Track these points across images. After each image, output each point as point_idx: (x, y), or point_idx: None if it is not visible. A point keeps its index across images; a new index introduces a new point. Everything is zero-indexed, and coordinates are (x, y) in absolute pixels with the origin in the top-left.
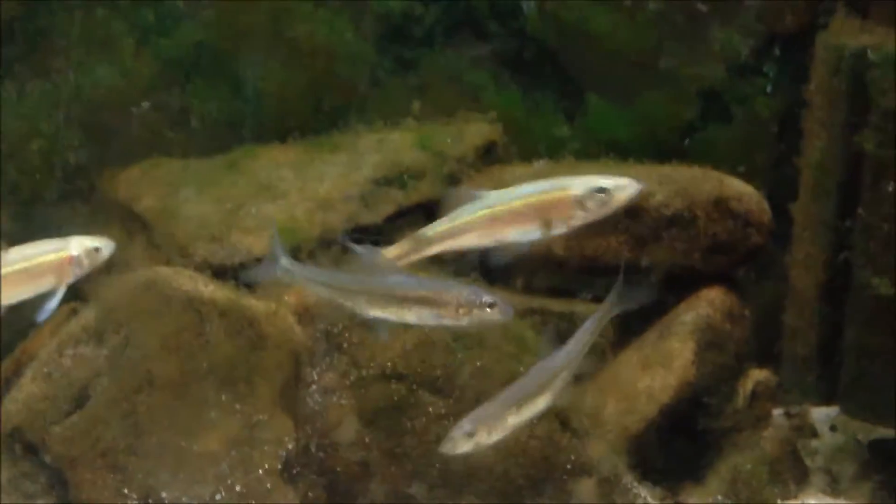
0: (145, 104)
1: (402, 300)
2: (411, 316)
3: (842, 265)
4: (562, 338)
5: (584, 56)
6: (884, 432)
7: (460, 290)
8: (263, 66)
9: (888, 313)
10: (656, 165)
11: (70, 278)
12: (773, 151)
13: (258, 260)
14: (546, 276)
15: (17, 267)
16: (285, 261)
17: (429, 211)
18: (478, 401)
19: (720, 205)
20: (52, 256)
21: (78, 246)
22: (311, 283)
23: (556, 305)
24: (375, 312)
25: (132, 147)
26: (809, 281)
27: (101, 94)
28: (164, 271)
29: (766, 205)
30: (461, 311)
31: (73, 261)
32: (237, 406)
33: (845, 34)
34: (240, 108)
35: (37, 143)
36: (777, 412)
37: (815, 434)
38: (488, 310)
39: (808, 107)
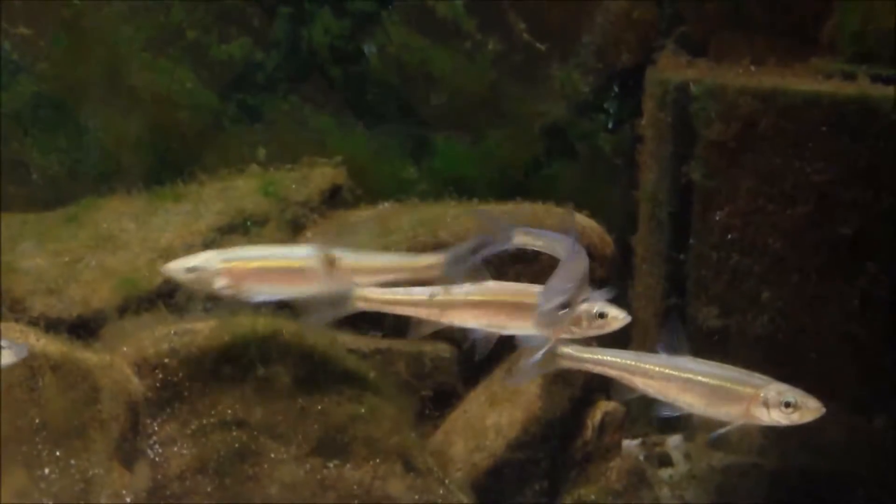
0: None
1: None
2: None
3: (678, 295)
4: None
5: (427, 97)
6: (736, 459)
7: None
8: (103, 116)
9: (720, 343)
10: (500, 203)
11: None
12: (616, 186)
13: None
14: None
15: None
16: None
17: None
18: (319, 444)
19: None
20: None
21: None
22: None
23: (403, 346)
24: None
25: None
26: (650, 311)
27: None
28: None
29: (608, 238)
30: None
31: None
32: (71, 461)
33: (671, 69)
34: (81, 159)
35: None
36: (634, 442)
37: (669, 463)
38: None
39: (641, 140)
